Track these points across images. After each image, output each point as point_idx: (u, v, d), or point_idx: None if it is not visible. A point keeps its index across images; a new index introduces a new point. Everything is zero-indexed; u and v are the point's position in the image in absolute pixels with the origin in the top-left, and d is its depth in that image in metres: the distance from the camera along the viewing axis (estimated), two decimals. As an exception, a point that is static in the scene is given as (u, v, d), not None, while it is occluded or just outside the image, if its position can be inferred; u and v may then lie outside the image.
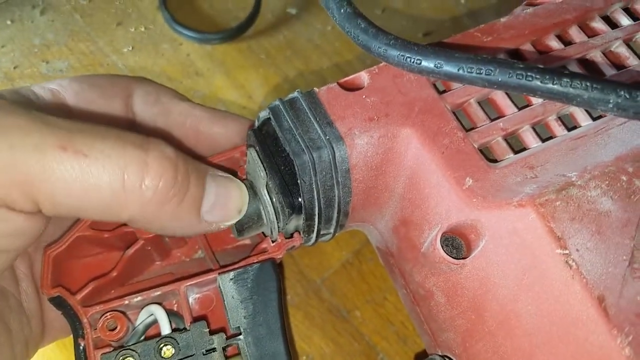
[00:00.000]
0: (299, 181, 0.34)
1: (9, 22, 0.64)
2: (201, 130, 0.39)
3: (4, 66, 0.62)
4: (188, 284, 0.36)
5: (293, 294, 0.50)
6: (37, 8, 0.65)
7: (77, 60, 0.63)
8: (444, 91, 0.37)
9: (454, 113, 0.36)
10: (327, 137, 0.33)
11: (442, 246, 0.33)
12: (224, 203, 0.31)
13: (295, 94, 0.36)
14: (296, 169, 0.33)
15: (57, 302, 0.35)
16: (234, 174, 0.37)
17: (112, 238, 0.37)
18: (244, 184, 0.34)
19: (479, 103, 0.37)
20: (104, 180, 0.26)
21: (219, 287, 0.36)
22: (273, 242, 0.37)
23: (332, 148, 0.33)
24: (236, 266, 0.37)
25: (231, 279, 0.36)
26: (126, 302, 0.35)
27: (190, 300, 0.37)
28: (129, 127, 0.36)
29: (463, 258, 0.32)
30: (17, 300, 0.34)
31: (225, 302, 0.35)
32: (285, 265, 0.51)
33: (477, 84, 0.33)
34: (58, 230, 0.36)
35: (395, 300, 0.51)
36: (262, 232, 0.37)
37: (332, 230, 0.38)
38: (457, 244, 0.34)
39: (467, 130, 0.35)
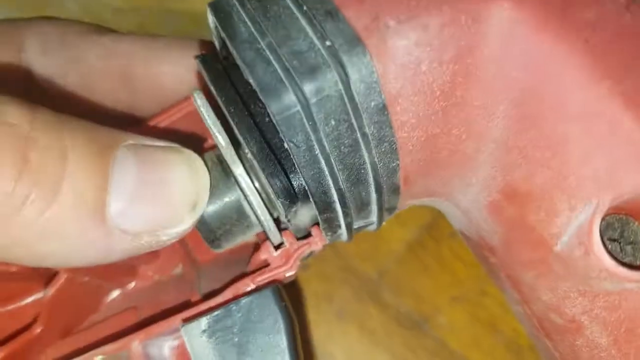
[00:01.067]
0: (286, 145, 0.17)
1: None
2: (135, 74, 0.26)
3: None
4: (140, 338, 0.24)
5: (340, 300, 0.35)
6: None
7: (17, 9, 0.48)
8: None
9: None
10: (329, 44, 0.16)
11: (604, 242, 0.16)
12: (156, 193, 0.19)
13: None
14: (274, 121, 0.16)
15: None
16: (198, 144, 0.25)
17: (25, 272, 0.25)
18: (205, 157, 0.22)
19: None
20: None
21: (187, 345, 0.20)
22: (276, 248, 0.24)
23: (342, 65, 0.16)
24: (213, 303, 0.23)
25: (204, 331, 0.20)
26: None
27: (166, 351, 0.25)
28: (25, 89, 0.27)
29: (647, 265, 0.17)
30: None
31: (198, 376, 0.21)
32: (324, 259, 0.34)
33: None
34: None
35: (497, 293, 0.33)
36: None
37: (373, 219, 0.22)
38: (632, 236, 0.16)
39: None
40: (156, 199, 0.19)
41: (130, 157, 0.19)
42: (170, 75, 0.26)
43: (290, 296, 0.31)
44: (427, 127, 0.18)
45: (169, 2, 0.49)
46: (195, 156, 0.21)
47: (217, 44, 0.22)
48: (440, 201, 0.23)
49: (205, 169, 0.21)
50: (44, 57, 0.26)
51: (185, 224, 0.20)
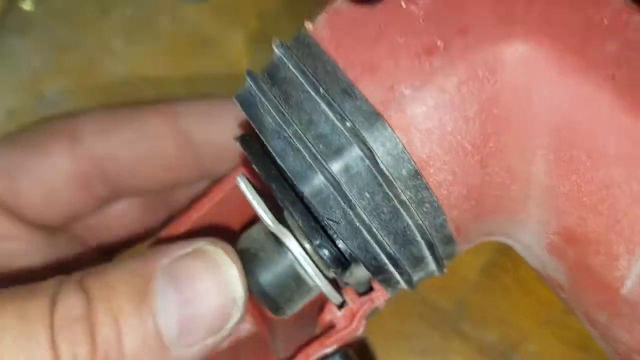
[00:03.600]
0: (324, 223, 0.18)
1: (-10, 59, 0.56)
2: (196, 138, 0.29)
3: (-1, 116, 0.53)
4: None
5: (418, 337, 0.35)
6: (15, 31, 0.56)
7: (73, 81, 0.53)
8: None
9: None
10: (349, 125, 0.17)
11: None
12: (198, 307, 0.21)
13: (274, 49, 0.20)
14: (309, 205, 0.18)
15: None
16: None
17: None
18: (256, 229, 0.25)
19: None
20: None
21: None
22: (340, 308, 0.25)
23: (364, 143, 0.17)
24: None
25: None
26: None
27: None
28: (85, 186, 0.29)
29: None
30: None
31: None
32: (397, 295, 0.35)
33: None
34: None
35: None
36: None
37: (432, 269, 0.22)
38: None
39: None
40: (201, 313, 0.21)
41: (168, 287, 0.21)
42: (230, 133, 0.28)
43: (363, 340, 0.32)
44: (466, 180, 0.19)
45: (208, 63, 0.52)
46: (218, 252, 0.22)
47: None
48: (503, 239, 0.24)
49: (228, 260, 0.22)
50: (104, 139, 0.29)
51: (235, 317, 0.22)
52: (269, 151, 0.22)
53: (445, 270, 0.24)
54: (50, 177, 0.28)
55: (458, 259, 0.37)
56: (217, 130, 0.29)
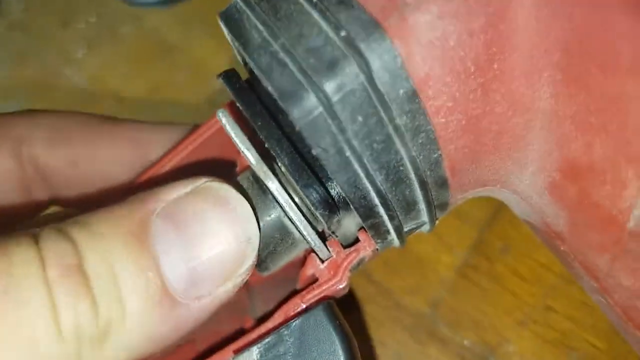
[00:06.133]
0: (313, 151, 0.16)
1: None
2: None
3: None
4: None
5: (394, 342, 0.33)
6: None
7: (27, 94, 0.51)
8: None
9: None
10: (344, 34, 0.15)
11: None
12: (206, 248, 0.19)
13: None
14: (295, 125, 0.16)
15: None
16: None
17: None
18: (240, 178, 0.23)
19: None
20: None
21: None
22: (323, 260, 0.23)
23: (361, 54, 0.15)
24: (263, 330, 0.22)
25: (256, 361, 0.22)
26: None
27: None
28: (25, 189, 0.28)
29: None
30: None
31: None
32: (369, 300, 0.33)
33: None
34: None
35: (564, 305, 0.32)
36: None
37: (424, 219, 0.21)
38: None
39: None
40: (211, 256, 0.19)
41: (168, 228, 0.19)
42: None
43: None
44: (466, 108, 0.18)
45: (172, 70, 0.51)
46: (225, 187, 0.20)
47: (239, 58, 0.22)
48: (497, 189, 0.22)
49: (239, 196, 0.20)
50: (52, 149, 0.27)
51: (250, 258, 0.20)
52: (257, 87, 0.20)
53: (436, 222, 0.23)
54: None
55: (431, 259, 0.35)
56: None
